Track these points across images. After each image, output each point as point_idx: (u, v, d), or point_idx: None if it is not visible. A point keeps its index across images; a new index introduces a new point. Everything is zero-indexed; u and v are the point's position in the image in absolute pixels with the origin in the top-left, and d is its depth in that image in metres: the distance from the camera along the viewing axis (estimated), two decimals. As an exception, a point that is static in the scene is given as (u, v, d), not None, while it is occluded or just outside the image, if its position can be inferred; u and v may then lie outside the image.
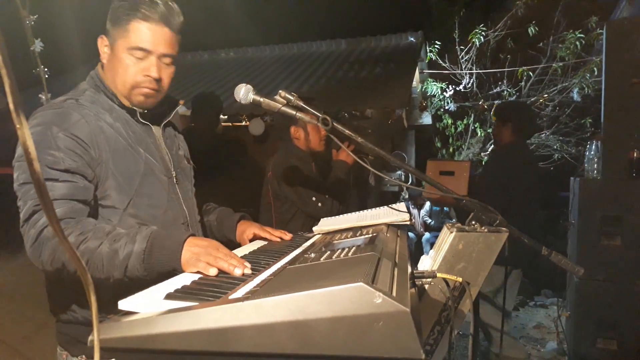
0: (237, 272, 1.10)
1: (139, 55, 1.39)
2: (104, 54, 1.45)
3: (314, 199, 2.63)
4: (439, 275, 1.11)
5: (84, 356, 1.37)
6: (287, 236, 1.67)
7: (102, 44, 1.44)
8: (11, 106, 0.41)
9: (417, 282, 1.09)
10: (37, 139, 1.27)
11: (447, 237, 1.22)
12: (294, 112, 1.44)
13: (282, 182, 2.66)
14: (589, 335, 3.27)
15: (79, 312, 1.37)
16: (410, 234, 7.05)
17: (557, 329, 3.90)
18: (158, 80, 1.43)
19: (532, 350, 4.13)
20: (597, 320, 3.24)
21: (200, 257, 1.14)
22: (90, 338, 0.82)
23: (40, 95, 3.20)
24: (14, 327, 3.97)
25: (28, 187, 1.26)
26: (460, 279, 1.13)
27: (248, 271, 1.12)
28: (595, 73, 6.69)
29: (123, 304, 0.88)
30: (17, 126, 0.41)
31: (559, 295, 4.95)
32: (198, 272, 1.13)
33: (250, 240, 1.69)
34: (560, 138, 7.65)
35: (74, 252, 0.46)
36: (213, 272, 1.11)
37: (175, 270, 1.17)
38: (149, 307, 0.87)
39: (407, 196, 7.69)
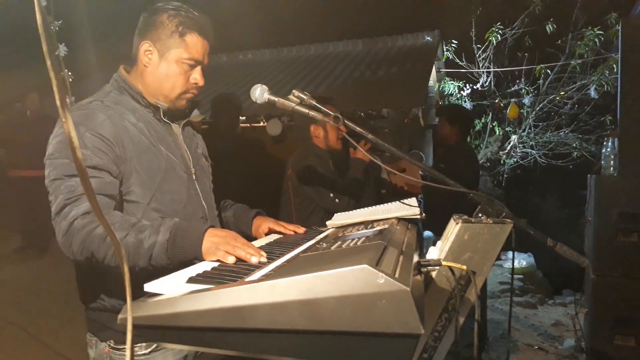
0: (254, 260, 1.17)
1: (191, 64, 1.53)
2: (147, 59, 1.52)
3: (331, 195, 2.70)
4: (444, 263, 1.16)
5: (112, 341, 1.46)
6: (301, 230, 1.74)
7: (145, 49, 1.52)
8: (58, 102, 0.48)
9: (423, 270, 1.14)
10: (66, 139, 1.37)
11: (453, 228, 1.27)
12: (307, 111, 1.50)
13: (301, 179, 2.73)
14: (606, 332, 3.27)
15: (107, 300, 1.46)
16: (428, 233, 7.04)
17: (575, 326, 3.90)
18: (200, 87, 1.58)
19: (549, 348, 4.13)
20: (614, 317, 3.23)
21: (219, 246, 1.23)
22: (120, 316, 0.90)
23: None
24: (41, 322, 4.13)
25: (59, 183, 1.34)
26: (465, 267, 1.18)
27: (264, 259, 1.19)
28: (615, 70, 6.63)
29: (149, 287, 0.96)
30: (63, 120, 0.49)
31: (577, 292, 4.93)
32: (217, 260, 1.21)
33: (266, 234, 1.75)
34: (580, 136, 7.59)
35: (109, 228, 0.53)
36: (231, 259, 1.19)
37: (196, 259, 1.25)
38: (172, 290, 0.95)
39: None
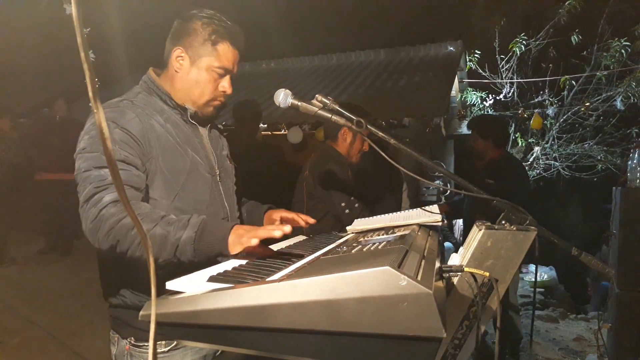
0: (277, 233, 1.20)
1: (220, 73, 1.56)
2: (178, 64, 1.55)
3: (343, 204, 2.66)
4: (466, 269, 1.14)
5: (132, 338, 1.48)
6: (311, 220, 1.69)
7: (177, 55, 1.55)
8: (90, 94, 0.49)
9: (445, 276, 1.13)
10: (96, 134, 1.40)
11: (476, 234, 1.26)
12: (329, 115, 1.50)
13: (317, 182, 2.71)
14: (631, 348, 3.19)
15: (128, 297, 1.48)
16: (448, 244, 6.99)
17: (598, 342, 3.80)
18: (228, 95, 1.61)
19: (571, 363, 4.04)
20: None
21: (243, 235, 1.25)
22: (142, 312, 0.90)
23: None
24: (63, 324, 4.18)
25: (88, 174, 1.36)
26: (487, 274, 1.16)
27: (288, 229, 1.21)
28: (642, 81, 6.52)
29: (170, 285, 0.97)
30: (95, 110, 0.50)
31: (600, 307, 4.82)
32: (242, 247, 1.23)
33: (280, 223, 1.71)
34: (605, 148, 7.45)
35: (135, 217, 0.54)
36: (254, 241, 1.21)
37: (221, 255, 1.27)
38: (193, 288, 0.95)
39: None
